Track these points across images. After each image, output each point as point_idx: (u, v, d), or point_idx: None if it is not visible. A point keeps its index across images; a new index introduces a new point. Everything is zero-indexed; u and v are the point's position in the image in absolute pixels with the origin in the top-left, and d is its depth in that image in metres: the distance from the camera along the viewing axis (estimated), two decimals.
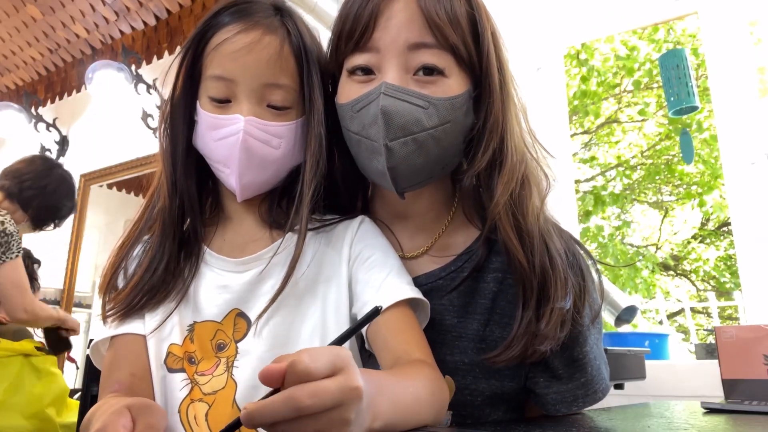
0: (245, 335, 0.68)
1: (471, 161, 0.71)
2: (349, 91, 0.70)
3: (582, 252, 0.75)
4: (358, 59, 0.68)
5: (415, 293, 0.68)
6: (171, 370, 0.69)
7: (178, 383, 0.68)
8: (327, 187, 0.73)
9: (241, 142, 0.67)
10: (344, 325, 0.68)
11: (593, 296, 0.73)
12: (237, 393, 0.66)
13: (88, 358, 0.77)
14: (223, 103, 0.69)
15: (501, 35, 0.73)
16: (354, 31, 0.68)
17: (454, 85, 0.67)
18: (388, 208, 0.79)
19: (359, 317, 0.64)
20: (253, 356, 0.67)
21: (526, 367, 0.72)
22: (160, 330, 0.70)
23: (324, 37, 0.76)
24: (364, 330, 0.68)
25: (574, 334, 0.70)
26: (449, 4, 0.66)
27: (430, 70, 0.66)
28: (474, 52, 0.68)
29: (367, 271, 0.70)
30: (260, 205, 0.75)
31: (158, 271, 0.71)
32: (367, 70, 0.68)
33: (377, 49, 0.67)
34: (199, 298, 0.71)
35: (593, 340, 0.73)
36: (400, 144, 0.65)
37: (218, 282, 0.71)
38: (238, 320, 0.69)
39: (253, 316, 0.68)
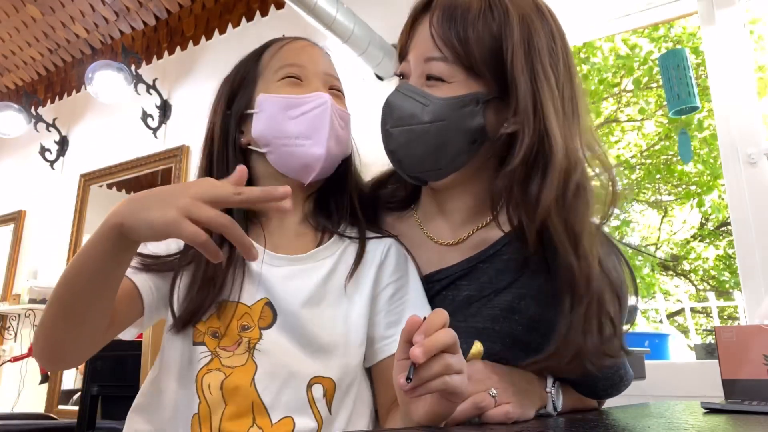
0: (270, 325, 0.73)
1: (507, 162, 0.75)
2: None
3: (627, 269, 0.80)
4: (399, 68, 0.86)
5: None
6: (194, 343, 0.72)
7: (199, 354, 0.72)
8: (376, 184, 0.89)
9: (330, 113, 0.77)
10: (361, 334, 0.74)
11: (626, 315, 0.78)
12: (256, 375, 0.69)
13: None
14: (299, 82, 0.79)
15: (549, 46, 0.76)
16: (400, 49, 0.86)
17: (456, 88, 0.76)
18: (432, 201, 0.88)
19: (378, 345, 0.75)
20: (276, 345, 0.71)
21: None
22: None
23: (321, 36, 0.79)
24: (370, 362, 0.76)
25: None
26: (461, 25, 0.75)
27: (434, 78, 0.78)
28: (489, 62, 0.75)
29: (396, 309, 0.77)
30: (305, 204, 0.82)
31: (208, 270, 0.73)
32: (402, 76, 0.84)
33: (408, 61, 0.83)
34: (233, 280, 0.74)
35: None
36: (398, 131, 0.78)
37: (254, 269, 0.75)
38: (266, 309, 0.73)
39: (280, 309, 0.73)
